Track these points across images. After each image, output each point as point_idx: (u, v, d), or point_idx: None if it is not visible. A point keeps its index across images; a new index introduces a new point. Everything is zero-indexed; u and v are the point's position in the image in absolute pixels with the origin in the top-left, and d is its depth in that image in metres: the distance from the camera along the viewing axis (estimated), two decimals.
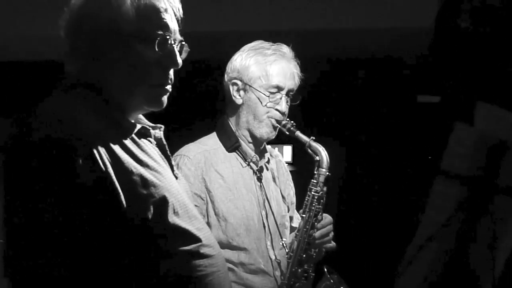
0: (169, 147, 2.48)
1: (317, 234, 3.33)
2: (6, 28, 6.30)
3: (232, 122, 3.40)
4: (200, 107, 5.88)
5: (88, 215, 2.01)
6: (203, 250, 2.23)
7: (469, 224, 2.24)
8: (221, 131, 3.41)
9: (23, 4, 6.19)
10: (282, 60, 3.34)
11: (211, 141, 3.39)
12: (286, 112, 3.36)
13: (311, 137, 3.36)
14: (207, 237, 2.29)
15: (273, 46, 3.39)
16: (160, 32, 2.25)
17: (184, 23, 2.41)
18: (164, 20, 2.27)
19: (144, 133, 2.33)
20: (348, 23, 6.00)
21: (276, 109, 3.33)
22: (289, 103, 3.37)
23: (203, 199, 3.22)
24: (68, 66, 2.28)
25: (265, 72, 3.32)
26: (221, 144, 3.37)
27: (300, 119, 3.41)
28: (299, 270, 3.31)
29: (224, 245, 3.19)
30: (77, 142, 2.02)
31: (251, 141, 3.39)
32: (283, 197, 3.54)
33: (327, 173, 3.35)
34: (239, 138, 3.37)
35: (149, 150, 2.29)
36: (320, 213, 3.34)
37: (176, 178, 2.40)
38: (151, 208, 2.12)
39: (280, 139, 3.44)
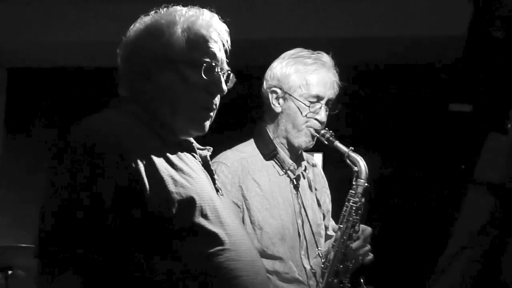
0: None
1: (354, 245, 3.33)
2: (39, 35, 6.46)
3: (270, 129, 3.43)
4: (236, 114, 5.95)
5: (115, 209, 2.18)
6: (228, 254, 2.29)
7: (502, 233, 2.25)
8: (258, 138, 3.44)
9: (46, 11, 6.33)
10: (322, 69, 3.36)
11: (249, 148, 3.42)
12: (325, 122, 3.38)
13: (350, 147, 3.36)
14: (236, 243, 2.35)
15: (313, 55, 3.41)
16: (207, 60, 2.43)
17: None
18: (212, 49, 2.46)
19: (187, 147, 2.48)
20: (381, 31, 6.03)
21: (315, 119, 3.35)
22: (327, 112, 3.39)
23: (239, 207, 3.25)
24: (121, 89, 2.51)
25: (306, 81, 3.34)
26: (258, 152, 3.40)
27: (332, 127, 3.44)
28: (335, 280, 3.31)
29: (259, 254, 3.22)
30: (109, 149, 2.22)
31: (288, 149, 3.41)
32: (319, 205, 3.56)
33: (366, 184, 3.35)
34: (277, 146, 3.40)
35: (188, 161, 2.43)
36: (357, 224, 3.34)
37: (218, 191, 2.49)
38: (176, 206, 2.24)
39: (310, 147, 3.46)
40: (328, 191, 3.68)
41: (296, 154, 3.46)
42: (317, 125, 3.37)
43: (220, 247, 2.29)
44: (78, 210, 2.16)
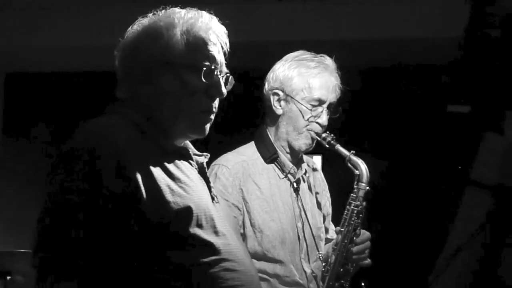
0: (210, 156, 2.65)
1: (354, 249, 3.37)
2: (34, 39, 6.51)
3: (271, 132, 3.47)
4: (239, 116, 6.00)
5: (112, 217, 2.21)
6: (223, 264, 2.33)
7: (499, 233, 2.29)
8: (259, 141, 3.48)
9: (44, 16, 6.39)
10: (325, 72, 3.40)
11: (250, 151, 3.46)
12: (326, 125, 3.42)
13: (351, 151, 3.40)
14: (232, 253, 2.38)
15: (316, 58, 3.44)
16: (207, 63, 2.46)
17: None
18: (211, 52, 2.48)
19: (184, 155, 2.51)
20: (379, 33, 6.08)
21: (317, 122, 3.39)
22: (329, 116, 3.42)
23: (240, 210, 3.29)
24: (119, 92, 2.53)
25: (308, 84, 3.37)
26: (259, 155, 3.43)
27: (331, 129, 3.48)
28: (336, 284, 3.35)
29: (259, 257, 3.27)
30: (107, 154, 2.24)
31: (289, 152, 3.44)
32: (319, 208, 3.60)
33: (367, 187, 3.39)
34: (278, 149, 3.43)
35: (185, 169, 2.46)
36: (358, 228, 3.38)
37: (213, 199, 2.52)
38: (173, 215, 2.27)
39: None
40: (328, 195, 3.72)
41: (297, 157, 3.49)
42: (318, 128, 3.40)
43: (215, 257, 2.32)
44: (75, 218, 2.18)
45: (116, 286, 2.23)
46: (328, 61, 3.45)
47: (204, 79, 2.44)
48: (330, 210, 3.71)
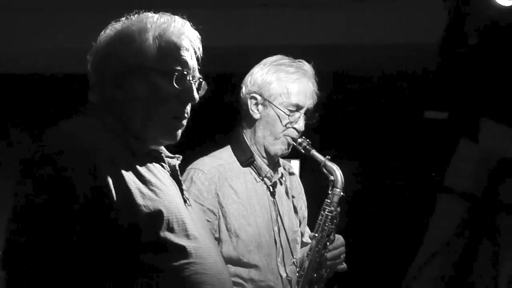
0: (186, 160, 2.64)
1: (329, 255, 3.37)
2: (23, 41, 6.48)
3: (247, 136, 3.46)
4: (213, 120, 6.00)
5: (81, 220, 2.18)
6: (195, 267, 2.31)
7: (472, 241, 2.31)
8: (236, 145, 3.46)
9: (21, 19, 6.36)
10: (304, 78, 3.39)
11: (226, 155, 3.45)
12: (303, 131, 3.42)
13: (327, 157, 3.40)
14: (203, 256, 2.37)
15: (294, 63, 3.43)
16: (178, 68, 2.44)
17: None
18: (184, 57, 2.46)
19: (156, 157, 2.50)
20: (355, 39, 6.09)
21: (294, 128, 3.38)
22: (305, 122, 3.42)
23: (215, 214, 3.28)
24: (91, 96, 2.50)
25: (287, 90, 3.36)
26: (235, 159, 3.42)
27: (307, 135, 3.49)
28: None
29: (234, 261, 3.26)
30: (77, 156, 2.21)
31: (265, 156, 3.44)
32: (295, 212, 3.59)
33: (341, 193, 3.40)
34: (254, 153, 3.42)
35: (157, 171, 2.44)
36: (332, 233, 3.38)
37: (185, 202, 2.51)
38: (143, 219, 2.25)
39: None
40: (304, 198, 3.72)
41: (273, 161, 3.49)
42: (295, 133, 3.40)
43: (186, 260, 2.31)
44: (44, 222, 2.15)
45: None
46: (307, 66, 3.45)
47: (176, 84, 2.43)
48: (306, 213, 3.71)
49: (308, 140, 3.42)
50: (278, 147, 3.40)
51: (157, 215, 2.29)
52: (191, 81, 2.48)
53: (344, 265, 3.46)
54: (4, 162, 6.97)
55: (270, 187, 3.44)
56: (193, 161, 3.42)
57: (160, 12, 2.55)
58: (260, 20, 6.14)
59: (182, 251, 2.31)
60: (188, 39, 2.50)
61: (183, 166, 2.91)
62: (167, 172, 2.52)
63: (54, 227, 2.15)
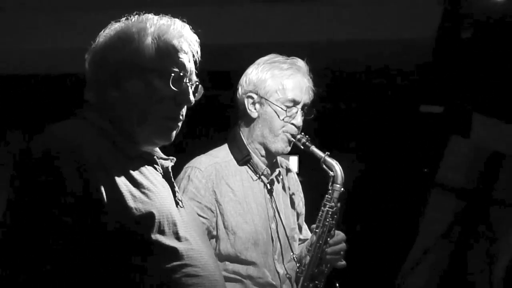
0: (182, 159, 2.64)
1: (329, 250, 3.39)
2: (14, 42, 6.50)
3: (244, 134, 3.48)
4: (210, 119, 6.01)
5: (72, 223, 2.19)
6: (186, 269, 2.34)
7: (465, 235, 2.31)
8: (232, 144, 3.49)
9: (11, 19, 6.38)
10: (298, 74, 3.42)
11: (222, 153, 3.47)
12: (301, 127, 3.44)
13: (326, 153, 3.42)
14: (194, 258, 2.39)
15: (288, 60, 3.47)
16: (176, 70, 2.47)
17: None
18: (181, 59, 2.50)
19: (149, 160, 2.51)
20: (352, 34, 6.10)
21: (292, 124, 3.41)
22: (303, 117, 3.45)
23: (213, 212, 3.31)
24: (87, 94, 2.53)
25: (282, 86, 3.39)
26: (232, 157, 3.44)
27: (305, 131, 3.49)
28: (310, 285, 3.38)
29: (232, 259, 3.30)
30: (69, 159, 2.23)
31: (263, 154, 3.46)
32: (293, 208, 3.62)
33: (342, 189, 3.41)
34: (251, 151, 3.45)
35: (149, 174, 2.46)
36: (333, 229, 3.40)
37: (178, 204, 2.53)
38: (135, 221, 2.27)
39: None
40: (302, 195, 3.75)
41: (272, 160, 3.51)
42: (294, 129, 3.42)
43: (178, 262, 2.33)
44: (33, 223, 2.17)
45: None
46: (300, 63, 3.48)
47: (173, 85, 2.45)
48: (303, 210, 3.74)
49: (307, 136, 3.42)
50: (279, 145, 3.43)
51: (149, 217, 2.31)
52: (188, 84, 2.50)
53: (343, 261, 3.47)
54: None
55: (267, 185, 3.46)
56: (190, 160, 3.44)
57: (160, 14, 2.58)
58: (252, 17, 6.15)
59: (173, 253, 2.34)
60: (187, 42, 2.53)
61: (180, 165, 2.91)
62: (160, 174, 2.54)
63: (44, 230, 2.17)
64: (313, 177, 3.67)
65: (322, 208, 3.43)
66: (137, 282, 2.26)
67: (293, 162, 6.14)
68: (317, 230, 3.40)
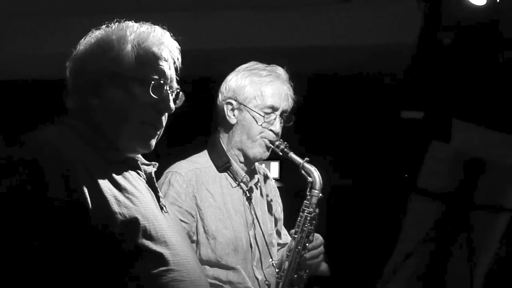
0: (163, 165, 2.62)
1: (308, 255, 3.41)
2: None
3: (224, 141, 3.49)
4: (191, 125, 6.00)
5: (57, 229, 2.17)
6: (172, 274, 2.33)
7: (446, 241, 2.31)
8: (212, 150, 3.50)
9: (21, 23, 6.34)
10: (277, 81, 3.44)
11: (202, 159, 3.48)
12: (280, 133, 3.45)
13: (305, 158, 3.44)
14: (180, 263, 2.38)
15: (268, 67, 3.49)
16: (156, 77, 2.46)
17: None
18: (162, 67, 2.49)
19: (132, 165, 2.51)
20: (332, 40, 6.11)
21: (270, 130, 3.42)
22: (282, 124, 3.46)
23: (193, 216, 3.32)
24: (68, 102, 2.52)
25: (260, 92, 3.41)
26: (212, 163, 3.45)
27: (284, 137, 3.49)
28: None
29: (213, 264, 3.30)
30: (52, 165, 2.21)
31: (242, 161, 3.48)
32: (270, 215, 3.63)
33: (320, 194, 3.43)
34: (231, 158, 3.46)
35: (132, 179, 2.46)
36: (312, 234, 3.42)
37: (162, 209, 2.52)
38: (120, 226, 2.25)
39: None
40: (280, 201, 3.77)
41: (250, 166, 3.53)
42: (272, 136, 3.44)
43: (164, 268, 2.32)
44: (18, 230, 2.15)
45: None
46: (280, 70, 3.51)
47: (153, 93, 2.45)
48: (281, 215, 3.77)
49: (286, 142, 3.43)
50: (257, 150, 3.44)
51: (134, 222, 2.30)
52: (168, 91, 2.50)
53: (324, 264, 3.48)
54: None
55: (246, 192, 3.47)
56: (170, 165, 3.45)
57: (141, 22, 2.57)
58: (238, 23, 6.15)
59: (159, 259, 2.33)
60: (168, 49, 2.53)
61: (161, 170, 2.90)
62: (143, 180, 2.54)
63: (30, 236, 2.15)
64: (295, 183, 3.66)
65: (301, 213, 3.44)
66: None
67: (274, 167, 6.14)
68: (295, 236, 3.42)
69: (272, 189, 3.73)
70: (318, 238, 3.47)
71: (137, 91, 2.43)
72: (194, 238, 3.32)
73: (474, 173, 2.26)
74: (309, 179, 3.43)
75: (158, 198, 2.55)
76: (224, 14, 6.21)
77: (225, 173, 3.46)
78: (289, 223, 3.69)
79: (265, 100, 3.41)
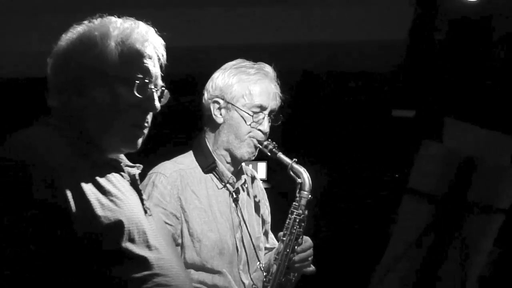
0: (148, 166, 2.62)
1: (296, 258, 3.40)
2: None
3: (209, 141, 3.48)
4: (177, 124, 5.99)
5: (40, 232, 2.17)
6: (156, 279, 2.33)
7: (439, 242, 2.31)
8: (197, 150, 3.49)
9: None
10: (265, 79, 3.44)
11: (187, 160, 3.47)
12: (268, 133, 3.45)
13: (294, 159, 3.43)
14: (165, 267, 2.38)
15: (255, 65, 3.48)
16: (140, 76, 2.44)
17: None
18: (146, 65, 2.47)
19: (115, 167, 2.50)
20: (322, 37, 6.10)
21: (259, 129, 3.41)
22: (270, 123, 3.45)
23: (178, 219, 3.31)
24: (50, 100, 2.49)
25: (249, 91, 3.40)
26: (197, 164, 3.44)
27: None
28: None
29: (198, 267, 3.30)
30: (35, 167, 2.20)
31: (229, 161, 3.47)
32: (259, 217, 3.63)
33: (309, 196, 3.42)
34: (217, 158, 3.45)
35: (116, 181, 2.45)
36: (301, 237, 3.41)
37: (146, 212, 2.51)
38: (104, 230, 2.25)
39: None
40: (267, 203, 3.76)
41: (237, 167, 3.52)
42: (260, 135, 3.43)
43: (148, 272, 2.32)
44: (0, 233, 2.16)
45: None
46: (268, 68, 3.50)
47: (137, 92, 2.43)
48: (269, 218, 3.76)
49: (274, 142, 3.42)
50: (245, 150, 3.43)
51: (118, 226, 2.29)
52: (153, 90, 2.48)
53: (313, 267, 3.48)
54: None
55: (233, 194, 3.46)
56: (155, 166, 3.45)
57: (124, 17, 2.55)
58: (222, 19, 6.14)
59: (144, 263, 2.33)
60: (152, 45, 2.51)
61: (145, 171, 2.89)
62: (127, 182, 2.53)
63: (12, 238, 2.15)
64: (282, 184, 3.66)
65: (290, 215, 3.43)
66: None
67: (262, 168, 6.13)
68: (284, 238, 3.40)
69: (260, 191, 3.72)
70: (307, 240, 3.46)
71: (121, 91, 2.41)
72: (179, 241, 3.31)
73: (466, 172, 2.27)
74: (298, 180, 3.42)
75: (142, 200, 2.54)
76: (211, 10, 6.20)
77: (211, 174, 3.45)
78: (277, 225, 3.68)
79: (253, 99, 3.40)
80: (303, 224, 3.41)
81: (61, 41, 2.51)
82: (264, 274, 3.42)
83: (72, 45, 2.47)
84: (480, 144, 2.30)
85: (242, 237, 3.44)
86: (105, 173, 2.41)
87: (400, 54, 5.11)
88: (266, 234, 3.72)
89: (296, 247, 3.40)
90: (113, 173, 2.47)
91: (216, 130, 3.47)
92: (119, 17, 2.55)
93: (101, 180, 2.37)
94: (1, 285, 2.14)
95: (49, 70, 2.50)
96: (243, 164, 3.60)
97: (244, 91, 3.41)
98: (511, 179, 2.32)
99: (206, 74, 3.58)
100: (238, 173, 3.54)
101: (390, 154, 6.44)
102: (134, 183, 2.56)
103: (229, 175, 3.47)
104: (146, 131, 2.51)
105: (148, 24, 2.55)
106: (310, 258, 3.47)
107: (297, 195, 3.44)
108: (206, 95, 3.50)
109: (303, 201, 3.42)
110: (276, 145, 3.44)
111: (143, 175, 2.89)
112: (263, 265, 3.48)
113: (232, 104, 3.41)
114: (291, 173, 3.44)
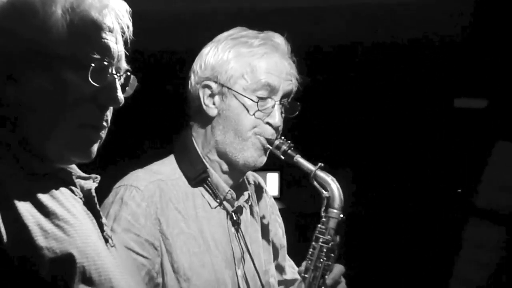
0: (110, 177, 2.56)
1: None
2: None
3: (198, 141, 3.39)
4: (151, 120, 5.96)
5: None
6: None
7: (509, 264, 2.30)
8: (182, 155, 3.39)
9: None
10: (275, 53, 3.32)
11: (168, 168, 3.37)
12: (281, 128, 3.34)
13: (319, 164, 3.33)
14: None
15: (261, 34, 3.37)
16: (97, 57, 2.35)
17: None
18: (105, 40, 2.38)
19: (63, 180, 2.42)
20: None
21: (267, 123, 3.30)
22: (283, 115, 3.36)
23: (156, 249, 3.21)
24: None
25: (251, 68, 3.28)
26: (181, 174, 3.34)
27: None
28: None
29: None
30: None
31: (226, 170, 3.37)
32: (268, 243, 3.57)
33: (341, 215, 3.32)
34: (209, 166, 3.35)
35: (65, 200, 2.38)
36: (328, 272, 3.32)
37: (107, 241, 2.47)
38: (48, 266, 2.19)
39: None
40: (280, 220, 3.69)
41: (238, 178, 3.42)
42: (270, 132, 3.32)
43: None
44: None
45: None
46: (278, 38, 3.38)
47: (92, 80, 2.33)
48: (284, 241, 3.70)
49: (289, 141, 3.33)
50: (249, 154, 3.32)
51: (67, 261, 2.24)
52: (114, 76, 2.40)
53: None
54: None
55: (232, 214, 3.37)
56: (120, 177, 3.35)
57: None
58: None
59: None
60: (114, 12, 2.43)
61: (108, 184, 2.83)
62: (80, 200, 2.45)
63: None
64: (300, 201, 3.61)
65: (314, 243, 3.36)
66: None
67: (273, 181, 6.00)
68: (306, 275, 3.33)
69: (269, 207, 3.65)
70: (337, 267, 3.37)
71: (70, 78, 2.32)
72: (159, 280, 3.22)
73: None
74: (325, 193, 3.33)
75: (101, 225, 2.48)
76: None
77: (201, 187, 3.35)
78: (295, 259, 3.64)
79: (258, 77, 3.27)
80: (332, 255, 3.33)
81: None
82: None
83: (3, 14, 2.37)
84: None
85: (245, 273, 3.36)
86: (48, 188, 2.34)
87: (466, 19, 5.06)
88: (280, 264, 3.66)
89: (322, 287, 3.31)
90: (61, 188, 2.39)
91: (208, 126, 3.37)
92: None
93: (43, 198, 2.29)
94: None
95: None
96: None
97: (245, 68, 3.29)
98: None
99: (193, 50, 3.48)
100: (239, 186, 3.44)
101: (451, 159, 6.40)
102: (90, 202, 2.49)
103: (227, 188, 3.36)
104: (104, 133, 2.43)
105: None
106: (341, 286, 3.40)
107: (323, 214, 3.35)
108: (193, 78, 3.40)
109: (332, 223, 3.33)
110: (292, 146, 3.34)
111: (104, 190, 2.84)
112: None
113: (229, 88, 3.30)
114: (315, 183, 3.34)
